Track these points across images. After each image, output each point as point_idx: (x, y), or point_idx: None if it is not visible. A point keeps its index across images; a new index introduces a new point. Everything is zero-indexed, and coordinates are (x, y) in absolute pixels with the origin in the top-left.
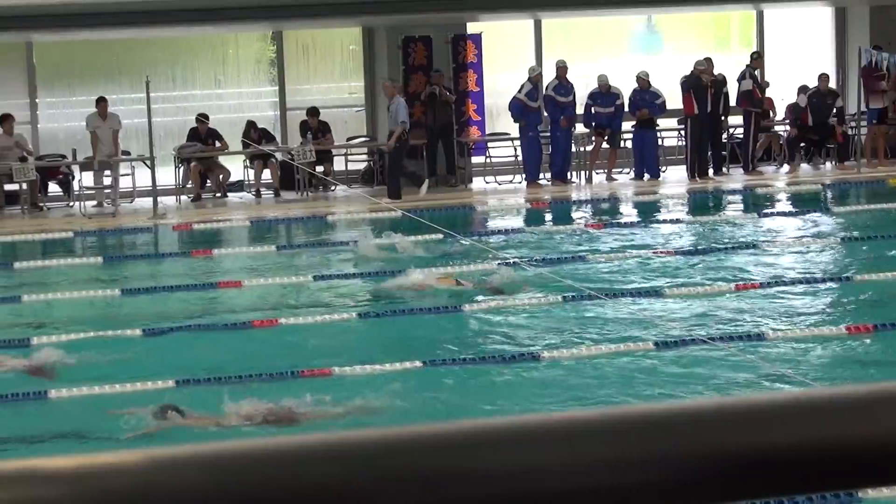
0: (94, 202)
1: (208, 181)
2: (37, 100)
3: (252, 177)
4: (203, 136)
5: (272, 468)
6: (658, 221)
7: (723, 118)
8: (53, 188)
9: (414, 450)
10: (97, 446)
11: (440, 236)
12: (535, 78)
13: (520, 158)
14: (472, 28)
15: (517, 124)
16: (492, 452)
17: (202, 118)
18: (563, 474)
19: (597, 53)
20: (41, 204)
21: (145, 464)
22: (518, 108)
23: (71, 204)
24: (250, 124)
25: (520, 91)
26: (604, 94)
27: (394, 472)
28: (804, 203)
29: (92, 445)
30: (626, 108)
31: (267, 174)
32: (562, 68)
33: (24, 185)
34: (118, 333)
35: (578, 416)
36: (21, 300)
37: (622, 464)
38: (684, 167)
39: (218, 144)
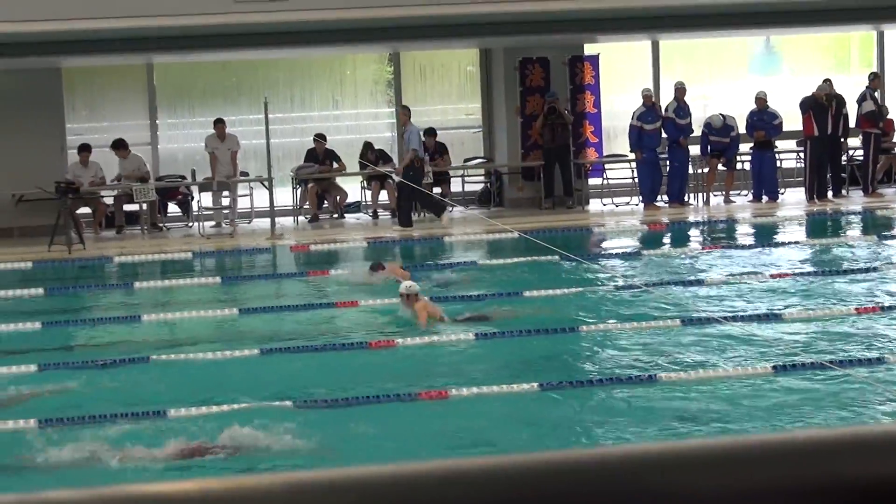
0: (213, 222)
1: (325, 202)
2: (157, 121)
3: (369, 198)
4: (320, 156)
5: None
6: (776, 244)
7: (842, 140)
8: (173, 208)
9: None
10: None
11: (556, 258)
12: (647, 100)
13: (637, 180)
14: (589, 49)
15: (634, 153)
16: (656, 475)
17: (320, 139)
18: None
19: (714, 74)
20: (161, 224)
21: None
22: (635, 135)
23: (190, 224)
24: (367, 145)
25: (633, 116)
26: (720, 128)
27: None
28: None
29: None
30: (744, 130)
31: (384, 195)
32: (680, 90)
33: (145, 206)
34: (235, 354)
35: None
36: (140, 319)
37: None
38: (803, 189)
39: (335, 165)
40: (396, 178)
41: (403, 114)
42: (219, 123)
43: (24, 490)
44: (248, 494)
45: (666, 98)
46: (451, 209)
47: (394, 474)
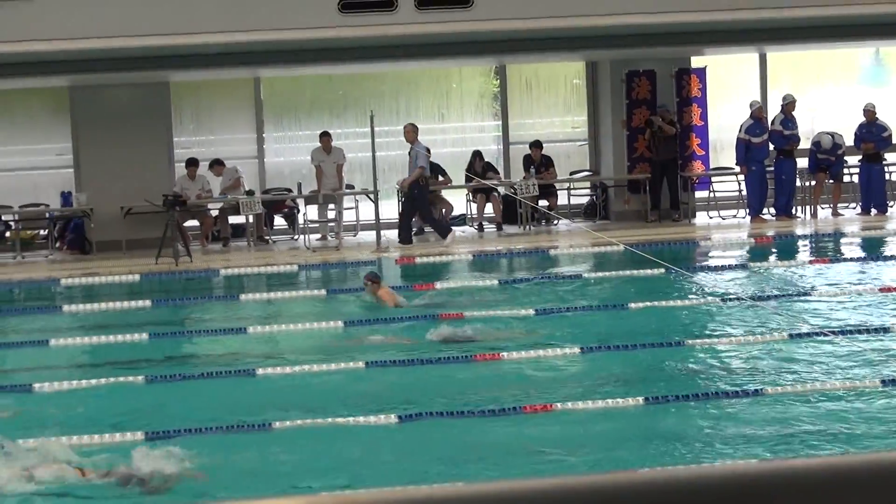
0: (318, 235)
1: None
2: (263, 134)
3: (475, 210)
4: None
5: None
6: (885, 257)
7: None
8: (279, 221)
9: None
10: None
11: (661, 271)
12: (756, 112)
13: (744, 193)
14: (696, 62)
15: (740, 167)
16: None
17: (426, 152)
18: None
19: (822, 86)
20: (267, 237)
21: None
22: (743, 148)
23: (296, 237)
24: (476, 154)
25: (741, 129)
26: (828, 148)
27: None
28: None
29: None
30: (851, 142)
31: (489, 208)
32: (790, 103)
33: (251, 218)
34: (341, 367)
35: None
36: (247, 331)
37: None
38: None
39: (441, 178)
40: (402, 190)
41: (411, 131)
42: (325, 136)
43: None
44: None
45: (772, 110)
46: (454, 232)
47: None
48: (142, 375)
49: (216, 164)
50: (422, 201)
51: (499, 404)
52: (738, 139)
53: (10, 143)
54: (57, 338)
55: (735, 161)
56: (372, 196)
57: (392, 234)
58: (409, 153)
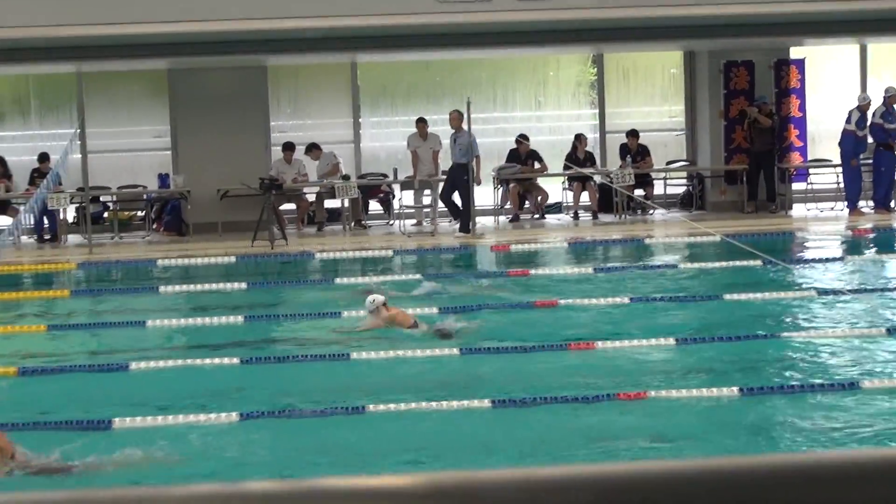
0: (413, 221)
1: (526, 202)
2: (360, 119)
3: (570, 199)
4: (523, 157)
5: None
6: None
7: None
8: (374, 206)
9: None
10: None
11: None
12: (864, 106)
13: (841, 185)
14: (795, 53)
15: (849, 160)
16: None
17: (523, 139)
18: None
19: None
20: (364, 222)
21: None
22: (850, 141)
23: (391, 222)
24: (578, 137)
25: (848, 121)
26: None
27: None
28: None
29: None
30: None
31: (585, 196)
32: (892, 96)
33: (346, 203)
34: (435, 353)
35: None
36: (341, 315)
37: None
38: None
39: (537, 166)
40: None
41: (457, 118)
42: (421, 123)
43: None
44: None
45: (873, 102)
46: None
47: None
48: (237, 357)
49: (313, 149)
50: (467, 188)
51: (593, 391)
52: (846, 131)
53: (110, 124)
54: (153, 318)
55: (840, 153)
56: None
57: (486, 221)
58: (455, 140)
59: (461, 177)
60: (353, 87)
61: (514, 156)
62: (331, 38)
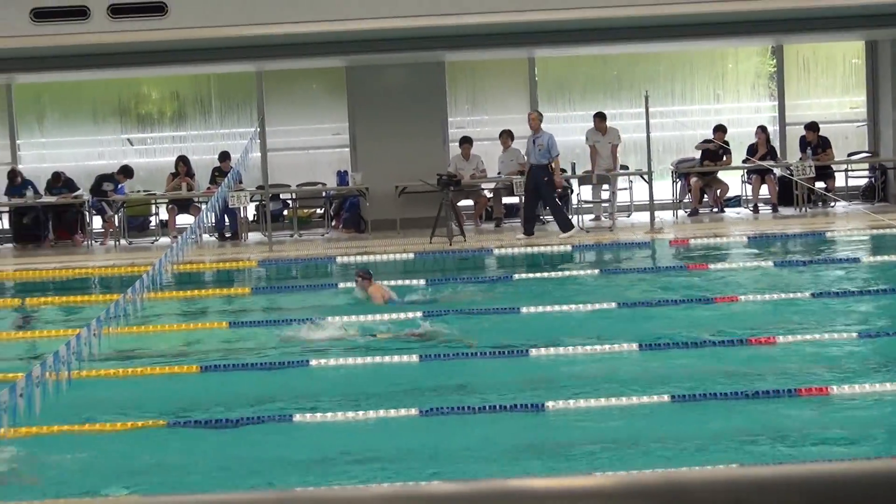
0: (592, 215)
1: (706, 195)
2: None
3: (750, 192)
4: (704, 151)
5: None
6: None
7: None
8: None
9: None
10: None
11: None
12: None
13: None
14: None
15: None
16: None
17: (720, 130)
18: None
19: None
20: (542, 217)
21: None
22: None
23: (569, 217)
24: (762, 128)
25: None
26: None
27: None
28: None
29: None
30: None
31: (765, 189)
32: None
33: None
34: (614, 348)
35: None
36: (519, 311)
37: None
38: None
39: (725, 158)
40: (558, 186)
41: (537, 118)
42: (598, 117)
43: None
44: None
45: None
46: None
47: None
48: (415, 354)
49: (504, 136)
50: (552, 189)
51: (773, 386)
52: None
53: (289, 123)
54: (332, 315)
55: None
56: (646, 177)
57: (665, 215)
58: (535, 141)
59: (542, 178)
60: (530, 83)
61: (706, 153)
62: (509, 33)
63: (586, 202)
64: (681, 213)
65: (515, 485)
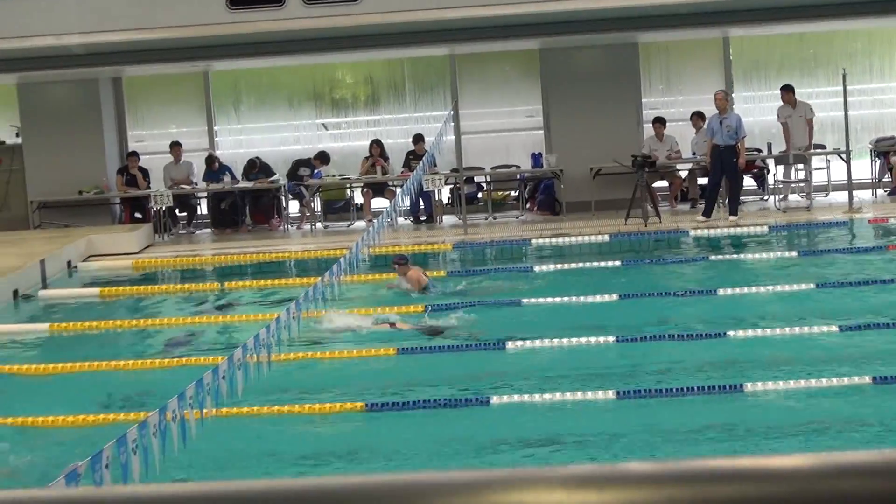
0: (781, 195)
1: None
2: (733, 94)
3: None
4: None
5: None
6: None
7: None
8: (747, 181)
9: None
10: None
11: None
12: None
13: None
14: None
15: None
16: None
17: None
18: None
19: None
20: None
21: None
22: None
23: (766, 198)
24: None
25: None
26: None
27: None
28: None
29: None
30: None
31: None
32: None
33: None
34: (813, 330)
35: None
36: (716, 293)
37: None
38: None
39: None
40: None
41: (723, 98)
42: (786, 90)
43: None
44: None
45: None
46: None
47: None
48: (612, 336)
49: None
50: (735, 170)
51: None
52: None
53: (483, 105)
54: (528, 297)
55: None
56: (844, 156)
57: (864, 194)
58: (721, 122)
59: (730, 159)
60: (725, 62)
61: None
62: (703, 13)
63: (782, 182)
64: (880, 192)
65: (723, 465)
